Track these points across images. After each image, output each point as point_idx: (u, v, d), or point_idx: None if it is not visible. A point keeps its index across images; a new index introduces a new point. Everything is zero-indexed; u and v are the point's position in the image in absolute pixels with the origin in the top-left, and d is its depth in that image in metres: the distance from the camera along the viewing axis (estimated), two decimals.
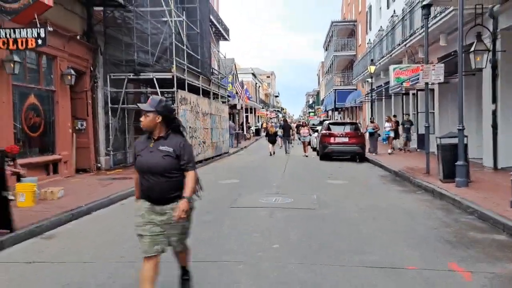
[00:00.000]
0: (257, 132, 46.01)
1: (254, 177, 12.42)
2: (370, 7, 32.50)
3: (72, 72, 11.50)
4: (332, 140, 17.13)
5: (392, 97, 23.47)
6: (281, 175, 12.72)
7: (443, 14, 12.73)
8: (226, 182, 11.21)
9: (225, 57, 27.12)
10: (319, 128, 23.32)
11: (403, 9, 19.82)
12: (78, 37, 12.17)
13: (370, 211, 7.35)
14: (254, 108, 51.72)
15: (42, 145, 10.83)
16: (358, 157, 17.08)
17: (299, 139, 20.91)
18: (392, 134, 18.77)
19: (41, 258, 4.90)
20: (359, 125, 19.67)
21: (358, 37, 38.16)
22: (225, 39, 33.26)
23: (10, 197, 7.20)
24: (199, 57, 17.64)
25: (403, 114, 20.89)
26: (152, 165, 3.30)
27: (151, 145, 3.36)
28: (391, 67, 17.01)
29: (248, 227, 6.23)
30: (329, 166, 15.26)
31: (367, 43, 29.48)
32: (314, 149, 21.65)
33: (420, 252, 4.98)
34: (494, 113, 11.53)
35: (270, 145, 20.85)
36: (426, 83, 11.18)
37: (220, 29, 30.57)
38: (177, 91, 13.81)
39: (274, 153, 20.45)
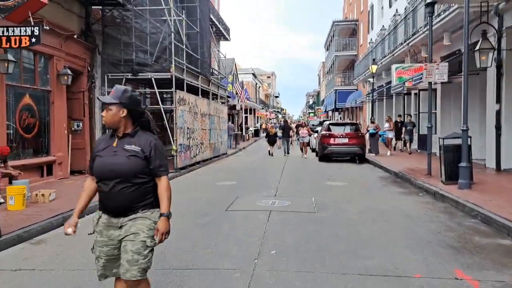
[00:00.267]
0: (256, 133, 45.85)
1: (252, 178, 12.23)
2: (372, 6, 32.39)
3: (69, 72, 11.31)
4: (332, 141, 16.96)
5: (394, 97, 23.30)
6: (280, 176, 12.53)
7: (447, 12, 12.56)
8: (223, 184, 11.02)
9: (225, 57, 26.92)
10: (319, 128, 23.18)
11: (405, 8, 19.63)
12: (75, 36, 11.97)
13: (370, 214, 7.17)
14: (254, 109, 51.53)
15: (36, 146, 10.63)
16: (358, 158, 16.91)
17: (298, 140, 20.82)
18: (390, 135, 18.51)
19: (29, 265, 4.70)
20: (359, 125, 19.49)
21: (359, 36, 38.01)
22: (226, 39, 33.02)
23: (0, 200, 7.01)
24: (198, 57, 17.45)
25: (404, 114, 20.68)
26: (115, 167, 2.73)
27: (115, 144, 2.82)
28: (393, 66, 16.81)
29: (245, 231, 6.04)
30: (329, 167, 15.08)
31: (369, 43, 29.31)
32: (313, 150, 21.48)
33: (423, 258, 4.79)
34: (498, 113, 11.35)
35: (270, 146, 21.10)
36: (430, 83, 10.99)
37: (221, 28, 30.33)
38: (175, 91, 13.62)
39: (272, 154, 20.68)
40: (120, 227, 2.78)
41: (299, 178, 12.17)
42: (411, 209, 7.57)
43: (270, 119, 65.14)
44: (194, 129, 15.42)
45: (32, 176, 9.71)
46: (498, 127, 11.37)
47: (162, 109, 13.75)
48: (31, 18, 8.22)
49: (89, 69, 12.89)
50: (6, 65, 8.88)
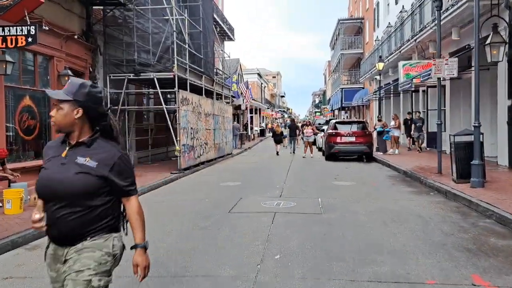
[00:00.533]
0: (262, 133, 45.65)
1: (257, 178, 11.98)
2: (377, 3, 32.08)
3: (70, 72, 11.11)
4: (338, 139, 16.65)
5: (401, 94, 22.93)
6: (285, 176, 12.27)
7: (455, 7, 12.20)
8: (227, 184, 10.77)
9: (229, 57, 26.68)
10: (325, 127, 22.91)
11: (412, 4, 19.28)
12: (76, 36, 11.81)
13: (379, 214, 6.88)
14: (259, 109, 51.31)
15: (37, 148, 10.44)
16: (366, 157, 16.60)
17: (302, 139, 20.66)
18: (396, 133, 18.09)
19: (21, 273, 4.49)
20: (366, 124, 19.16)
21: (365, 34, 37.66)
22: (230, 39, 32.77)
23: None
24: (202, 57, 17.23)
25: (412, 112, 20.30)
26: (57, 187, 2.09)
27: (64, 154, 2.18)
28: (400, 63, 16.45)
29: (248, 234, 5.78)
30: (336, 166, 14.78)
31: (375, 40, 28.98)
32: (320, 149, 21.21)
33: (437, 262, 4.51)
34: (510, 109, 10.99)
35: (277, 145, 21.14)
36: (439, 78, 10.67)
37: (225, 28, 30.06)
38: (178, 91, 13.41)
39: (278, 153, 20.69)
40: (65, 261, 2.14)
41: (305, 178, 11.90)
42: (422, 209, 7.27)
43: (276, 118, 64.85)
44: (198, 129, 15.19)
45: (33, 179, 9.50)
46: (510, 123, 11.02)
47: (165, 110, 13.56)
48: (27, 17, 8.04)
49: (91, 70, 12.72)
50: (4, 66, 8.68)
